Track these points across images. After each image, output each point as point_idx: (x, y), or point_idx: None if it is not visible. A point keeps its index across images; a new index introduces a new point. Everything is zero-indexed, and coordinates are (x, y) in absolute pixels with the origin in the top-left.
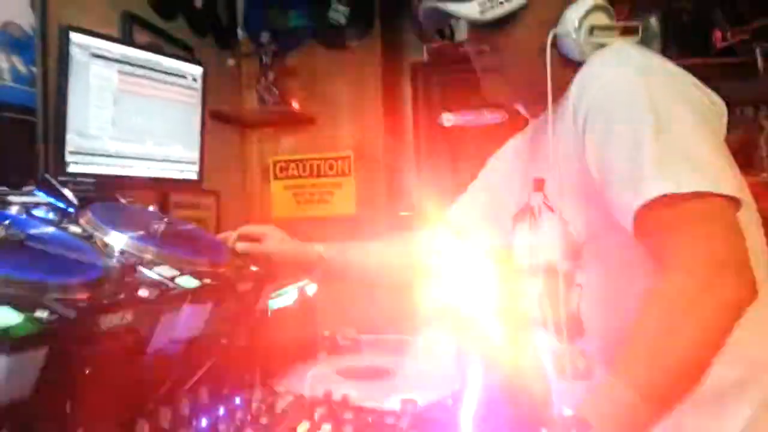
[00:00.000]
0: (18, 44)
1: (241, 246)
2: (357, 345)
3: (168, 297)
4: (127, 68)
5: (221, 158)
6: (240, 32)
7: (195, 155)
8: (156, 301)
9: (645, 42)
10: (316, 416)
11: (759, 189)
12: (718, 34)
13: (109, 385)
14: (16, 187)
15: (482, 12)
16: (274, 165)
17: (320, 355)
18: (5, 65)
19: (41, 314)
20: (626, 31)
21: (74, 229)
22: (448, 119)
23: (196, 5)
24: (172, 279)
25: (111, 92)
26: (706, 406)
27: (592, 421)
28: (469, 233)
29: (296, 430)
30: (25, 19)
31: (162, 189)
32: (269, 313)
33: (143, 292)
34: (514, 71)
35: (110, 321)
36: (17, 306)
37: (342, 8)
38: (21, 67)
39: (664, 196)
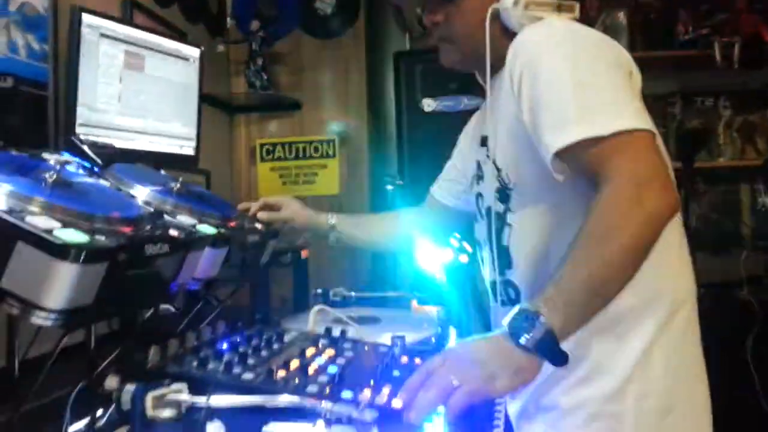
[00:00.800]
0: (32, 23)
1: (262, 214)
2: (348, 300)
3: (192, 239)
4: (132, 48)
5: (211, 140)
6: (229, 20)
7: (192, 132)
8: (184, 239)
9: (612, 33)
10: (320, 345)
11: (718, 171)
12: (680, 28)
13: (148, 303)
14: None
15: None
16: (261, 147)
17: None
18: (21, 42)
19: (99, 236)
20: (562, 8)
21: (104, 182)
22: (428, 105)
23: None
24: (193, 226)
25: (117, 70)
26: (609, 329)
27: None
28: (449, 205)
29: (304, 352)
30: (38, 0)
31: (161, 162)
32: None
33: (173, 232)
34: (464, 40)
35: (152, 249)
36: (81, 229)
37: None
38: (35, 45)
39: (588, 138)
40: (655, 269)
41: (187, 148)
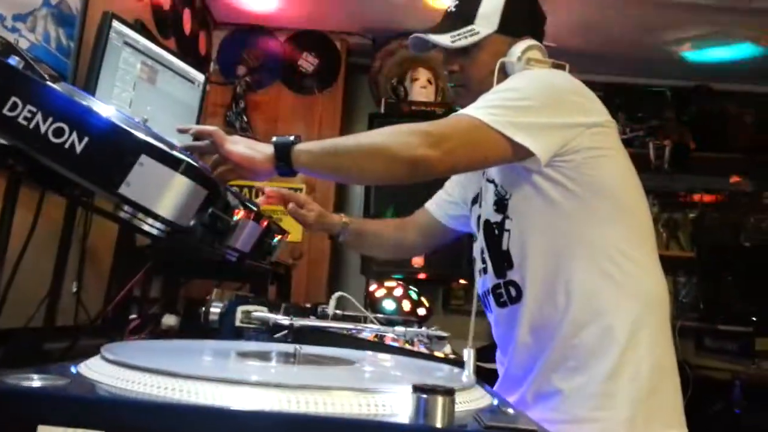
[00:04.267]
0: (65, 19)
1: (292, 207)
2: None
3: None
4: (149, 61)
5: None
6: (213, 64)
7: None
8: (243, 202)
9: None
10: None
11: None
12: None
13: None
14: None
15: (453, 41)
16: None
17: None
18: (53, 34)
19: (199, 163)
20: (556, 66)
21: None
22: None
23: (185, 32)
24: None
25: (133, 78)
26: (595, 320)
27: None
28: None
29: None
30: (73, 1)
31: None
32: None
33: (233, 201)
34: (476, 86)
35: (232, 201)
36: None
37: (311, 59)
38: (63, 39)
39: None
40: (633, 268)
41: None
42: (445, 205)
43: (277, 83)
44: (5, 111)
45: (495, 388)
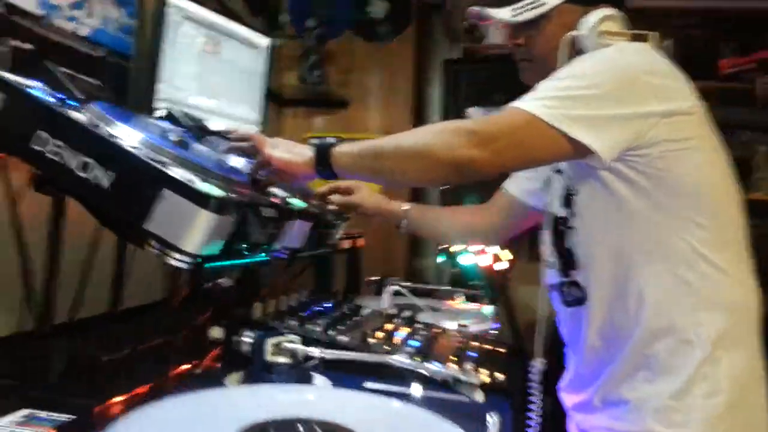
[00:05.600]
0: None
1: (335, 197)
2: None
3: (290, 209)
4: (211, 33)
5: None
6: (285, 17)
7: (257, 117)
8: (287, 208)
9: None
10: (395, 322)
11: (752, 205)
12: (723, 62)
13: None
14: None
15: (514, 15)
16: (305, 142)
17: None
18: (113, 15)
19: (231, 193)
20: (636, 37)
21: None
22: (473, 114)
23: None
24: (285, 198)
25: (196, 51)
26: (670, 332)
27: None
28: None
29: (383, 327)
30: None
31: None
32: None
33: (276, 199)
34: (542, 62)
35: (266, 212)
36: (214, 184)
37: (381, 4)
38: (124, 19)
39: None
40: (715, 274)
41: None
42: (522, 180)
43: (348, 33)
44: (32, 144)
45: (564, 384)
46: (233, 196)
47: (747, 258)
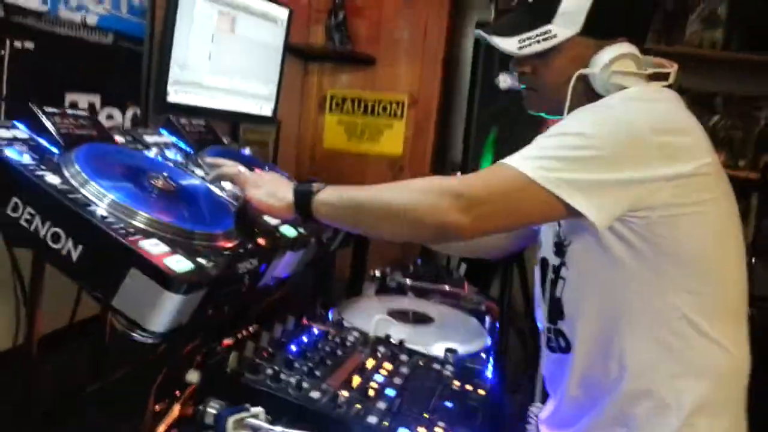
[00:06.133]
0: None
1: None
2: (402, 288)
3: (277, 245)
4: (226, 9)
5: (284, 87)
6: None
7: (272, 93)
8: (270, 248)
9: (709, 26)
10: (379, 354)
11: None
12: None
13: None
14: (121, 109)
15: (520, 48)
16: (331, 99)
17: (367, 291)
18: None
19: (202, 260)
20: (656, 77)
21: (199, 172)
22: (503, 80)
23: None
24: (277, 227)
25: (210, 30)
26: (648, 394)
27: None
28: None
29: (365, 365)
30: None
31: (241, 121)
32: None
33: (262, 241)
34: (549, 94)
35: (244, 266)
36: (186, 254)
37: None
38: (135, 1)
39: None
40: (702, 343)
41: (266, 109)
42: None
43: None
44: (8, 211)
45: (544, 416)
46: (204, 269)
47: (742, 324)
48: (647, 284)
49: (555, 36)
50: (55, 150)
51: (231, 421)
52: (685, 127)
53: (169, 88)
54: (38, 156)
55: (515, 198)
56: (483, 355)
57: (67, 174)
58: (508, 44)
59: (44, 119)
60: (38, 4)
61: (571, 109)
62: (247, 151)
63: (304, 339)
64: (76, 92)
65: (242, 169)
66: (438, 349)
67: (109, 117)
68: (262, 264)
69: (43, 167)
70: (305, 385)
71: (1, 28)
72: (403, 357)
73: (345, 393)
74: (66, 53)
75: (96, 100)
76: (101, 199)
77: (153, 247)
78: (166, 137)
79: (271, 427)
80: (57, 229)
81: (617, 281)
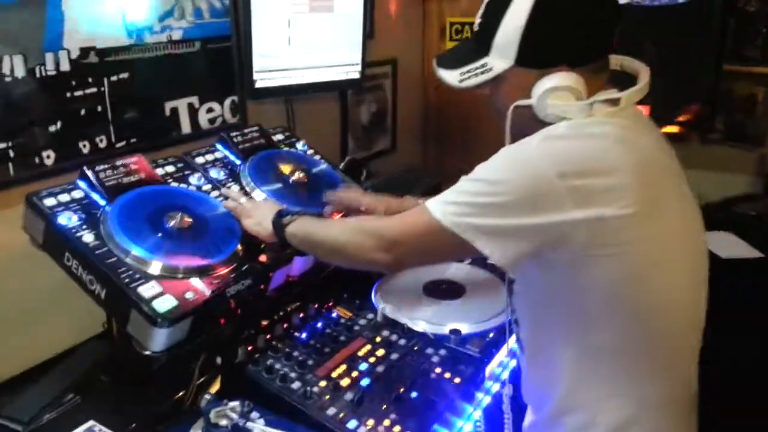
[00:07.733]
0: None
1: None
2: None
3: (279, 259)
4: None
5: (401, 20)
6: None
7: (358, 56)
8: (268, 265)
9: None
10: (378, 340)
11: None
12: None
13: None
14: (219, 101)
15: (461, 81)
16: (450, 26)
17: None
18: (204, 5)
19: (189, 295)
20: (606, 103)
21: (235, 187)
22: None
23: None
24: None
25: (286, 16)
26: None
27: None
28: None
29: (357, 353)
30: None
31: (330, 90)
32: None
33: (263, 258)
34: (503, 114)
35: (234, 289)
36: (175, 293)
37: None
38: (216, 2)
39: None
40: (622, 372)
41: (353, 73)
42: None
43: None
44: (65, 261)
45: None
46: (188, 304)
47: (679, 359)
48: (570, 316)
49: (491, 69)
50: (103, 202)
51: (213, 412)
52: (608, 168)
53: (255, 77)
54: (85, 214)
55: (429, 240)
56: (491, 335)
57: (102, 230)
58: (451, 77)
59: (93, 179)
60: (125, 41)
61: (516, 137)
62: (300, 146)
63: (319, 326)
64: (173, 99)
65: (243, 200)
66: (442, 330)
67: (210, 110)
68: (262, 278)
69: (84, 227)
70: (292, 375)
71: (98, 72)
72: (402, 342)
73: (322, 384)
74: (158, 70)
75: (194, 100)
76: (120, 250)
77: (147, 291)
78: (220, 151)
79: (240, 418)
80: (90, 276)
81: (547, 303)
